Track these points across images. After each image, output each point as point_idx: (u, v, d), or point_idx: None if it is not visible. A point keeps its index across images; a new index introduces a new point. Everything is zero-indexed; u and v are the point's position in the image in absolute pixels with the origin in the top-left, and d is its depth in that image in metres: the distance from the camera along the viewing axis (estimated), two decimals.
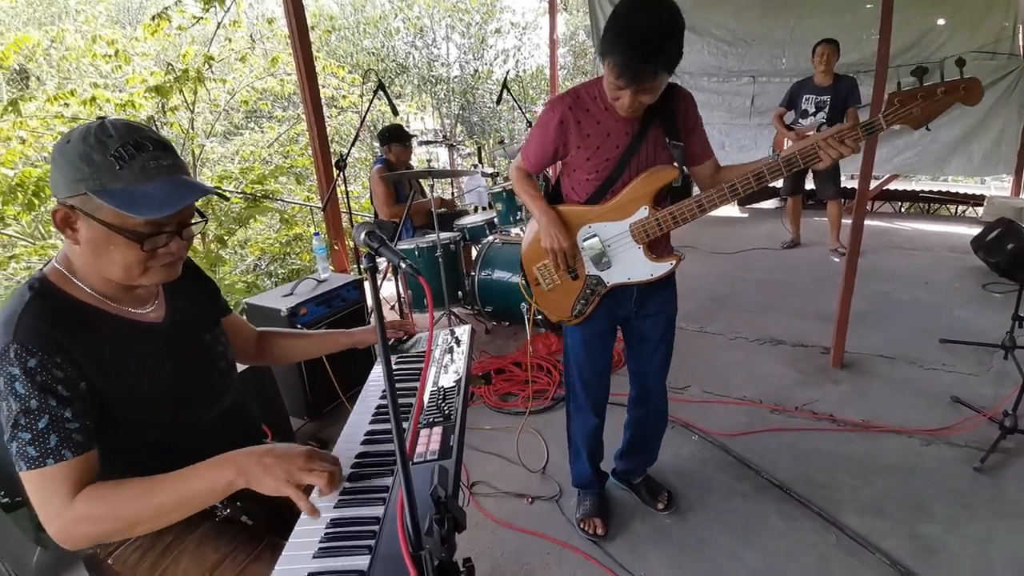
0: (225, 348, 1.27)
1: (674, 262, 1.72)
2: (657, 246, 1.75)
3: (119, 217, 0.96)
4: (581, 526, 2.08)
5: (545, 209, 1.76)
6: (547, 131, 1.67)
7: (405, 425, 1.19)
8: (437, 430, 1.14)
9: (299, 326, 2.69)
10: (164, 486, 0.96)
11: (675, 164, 1.64)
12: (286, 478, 0.96)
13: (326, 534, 0.96)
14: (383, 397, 1.38)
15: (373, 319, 0.95)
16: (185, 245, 1.06)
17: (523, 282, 1.92)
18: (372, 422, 1.29)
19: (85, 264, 1.03)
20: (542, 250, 1.78)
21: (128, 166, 0.94)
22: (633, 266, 1.74)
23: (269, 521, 1.23)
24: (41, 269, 1.05)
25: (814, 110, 4.53)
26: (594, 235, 1.73)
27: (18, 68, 7.04)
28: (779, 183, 5.23)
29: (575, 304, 1.83)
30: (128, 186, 0.94)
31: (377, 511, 1.00)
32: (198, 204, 1.09)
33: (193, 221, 1.06)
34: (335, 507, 1.02)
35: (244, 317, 3.03)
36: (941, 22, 5.45)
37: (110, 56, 5.31)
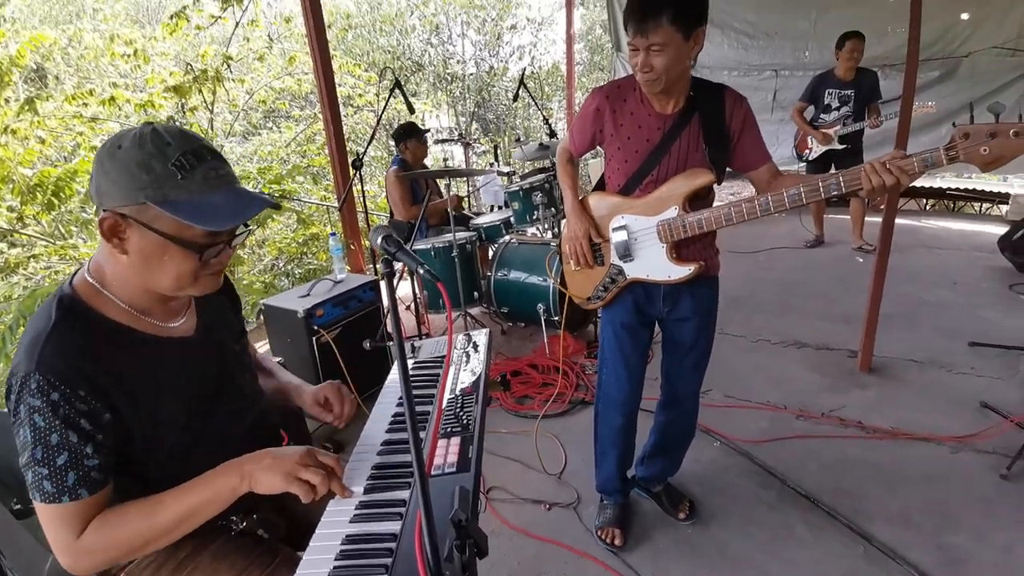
0: (250, 359, 1.25)
1: (692, 268, 1.67)
2: (684, 249, 1.71)
3: (179, 228, 0.92)
4: (599, 535, 2.04)
5: (573, 201, 1.82)
6: (586, 116, 1.72)
7: (423, 435, 1.16)
8: (455, 440, 1.10)
9: (316, 327, 2.69)
10: (167, 503, 0.94)
11: (710, 169, 1.60)
12: (284, 474, 0.96)
13: (342, 551, 0.93)
14: (400, 404, 1.35)
15: (389, 324, 0.93)
16: (231, 254, 1.04)
17: (556, 257, 1.95)
18: (388, 431, 1.26)
19: (123, 275, 0.98)
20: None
21: (190, 176, 0.91)
22: (653, 264, 1.72)
23: (285, 534, 1.21)
24: (70, 280, 1.00)
25: (838, 104, 4.41)
26: (624, 226, 1.73)
27: (35, 67, 7.12)
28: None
29: (596, 289, 1.86)
30: (192, 197, 0.91)
31: (394, 527, 0.96)
32: None
33: (238, 232, 1.03)
34: (351, 521, 0.99)
35: (262, 319, 3.03)
36: (965, 17, 5.35)
37: (129, 56, 5.36)
